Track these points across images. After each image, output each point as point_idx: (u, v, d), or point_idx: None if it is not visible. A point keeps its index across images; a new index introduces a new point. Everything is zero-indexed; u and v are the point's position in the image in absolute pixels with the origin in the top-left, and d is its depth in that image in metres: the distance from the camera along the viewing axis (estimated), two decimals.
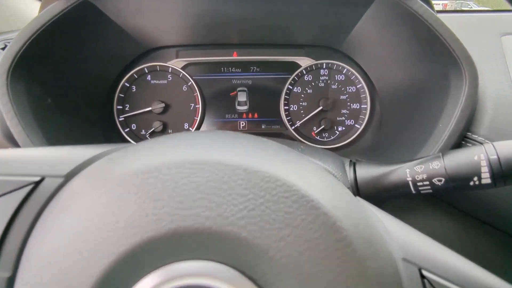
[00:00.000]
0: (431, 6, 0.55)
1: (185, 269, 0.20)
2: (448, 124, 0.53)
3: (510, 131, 0.51)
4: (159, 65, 0.81)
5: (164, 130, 0.82)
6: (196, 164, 0.22)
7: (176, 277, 0.20)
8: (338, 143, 0.81)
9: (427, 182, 0.47)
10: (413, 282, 0.25)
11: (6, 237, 0.24)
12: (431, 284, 0.25)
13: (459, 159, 0.45)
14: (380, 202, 0.52)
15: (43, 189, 0.26)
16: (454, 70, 0.53)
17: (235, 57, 0.83)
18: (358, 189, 0.51)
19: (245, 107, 0.84)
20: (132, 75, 0.81)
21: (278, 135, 0.83)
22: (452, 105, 0.53)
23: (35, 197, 0.25)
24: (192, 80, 0.81)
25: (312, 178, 0.25)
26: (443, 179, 0.46)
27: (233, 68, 0.84)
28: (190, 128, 0.82)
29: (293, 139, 0.82)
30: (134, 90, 0.82)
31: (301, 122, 0.82)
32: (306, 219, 0.22)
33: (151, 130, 0.81)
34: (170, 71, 0.82)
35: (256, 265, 0.20)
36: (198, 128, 0.83)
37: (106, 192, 0.22)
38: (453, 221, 0.57)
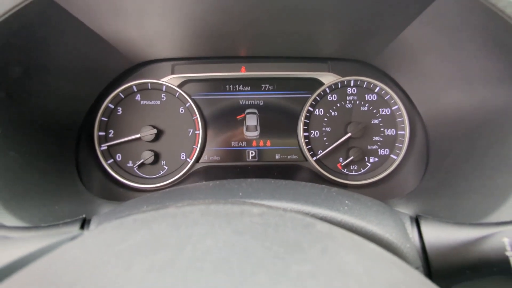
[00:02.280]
0: None
1: None
2: None
3: None
4: (151, 83, 0.67)
5: (156, 162, 0.66)
6: None
7: None
8: (371, 178, 0.66)
9: None
10: None
11: None
12: None
13: None
14: (460, 280, 0.36)
15: None
16: None
17: (243, 72, 0.69)
18: (428, 262, 0.35)
19: (255, 133, 0.69)
20: (117, 94, 0.66)
21: (296, 167, 0.68)
22: None
23: None
24: (190, 101, 0.67)
25: None
26: None
27: (241, 85, 0.69)
28: (188, 159, 0.67)
29: (314, 172, 0.67)
30: (120, 112, 0.67)
31: (324, 151, 0.67)
32: None
33: (140, 161, 0.66)
34: (164, 89, 0.68)
35: None
36: (198, 158, 0.67)
37: None
38: None
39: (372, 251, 0.19)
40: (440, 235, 0.36)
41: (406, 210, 0.46)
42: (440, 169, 0.57)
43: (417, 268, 0.33)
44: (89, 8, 0.45)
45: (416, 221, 0.38)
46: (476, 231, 0.35)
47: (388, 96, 0.67)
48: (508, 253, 0.32)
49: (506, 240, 0.33)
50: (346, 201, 0.37)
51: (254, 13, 0.52)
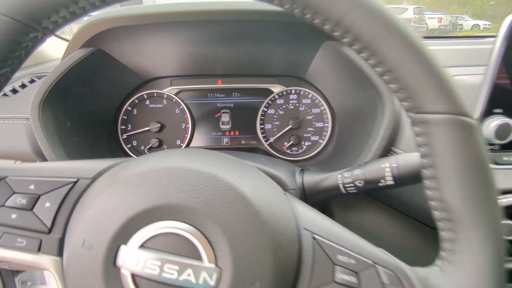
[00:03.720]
0: None
1: (164, 224, 0.36)
2: (376, 141, 0.69)
3: None
4: (156, 92, 0.98)
5: (160, 146, 0.98)
6: (172, 169, 0.38)
7: (160, 228, 0.36)
8: (305, 156, 0.98)
9: (352, 184, 0.62)
10: (308, 241, 0.41)
11: (57, 215, 0.40)
12: (318, 242, 0.41)
13: (373, 167, 0.61)
14: (322, 200, 0.68)
15: (79, 186, 0.42)
16: (379, 100, 0.69)
17: (219, 85, 1.00)
18: (304, 191, 0.66)
19: (228, 126, 1.00)
20: (133, 100, 0.97)
21: (255, 149, 1.00)
22: (378, 126, 0.69)
23: (74, 190, 0.41)
24: (183, 104, 0.98)
25: (245, 177, 0.41)
26: (363, 182, 0.62)
27: (218, 93, 1.00)
28: (182, 144, 0.98)
29: (267, 152, 0.98)
30: (135, 113, 0.98)
31: (274, 138, 0.98)
32: (234, 201, 0.37)
33: (149, 146, 0.97)
34: (165, 97, 0.98)
35: (203, 222, 0.36)
36: (188, 143, 0.99)
37: (120, 187, 0.38)
38: (382, 214, 0.73)
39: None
40: (312, 177, 0.67)
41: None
42: (337, 147, 0.89)
43: (293, 189, 0.65)
44: (125, 52, 0.77)
45: (303, 170, 0.69)
46: (329, 174, 0.66)
47: (317, 100, 0.98)
48: (338, 182, 0.64)
49: (339, 176, 0.64)
50: (261, 158, 0.69)
51: (227, 52, 0.84)
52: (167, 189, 0.37)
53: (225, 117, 1.00)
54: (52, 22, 0.36)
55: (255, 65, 0.94)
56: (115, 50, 0.76)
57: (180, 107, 0.98)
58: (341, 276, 0.39)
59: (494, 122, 0.63)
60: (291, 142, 0.97)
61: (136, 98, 0.97)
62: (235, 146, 1.00)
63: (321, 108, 0.98)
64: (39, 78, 0.86)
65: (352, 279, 0.39)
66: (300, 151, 0.99)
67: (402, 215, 0.76)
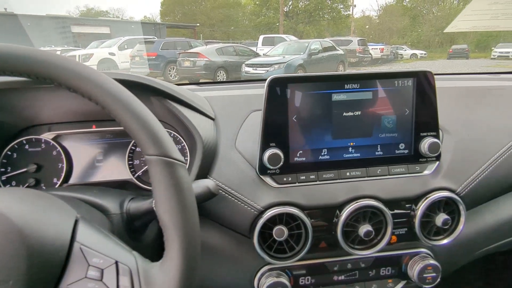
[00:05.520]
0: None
1: None
2: (192, 171, 0.89)
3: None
4: (35, 138, 1.12)
5: (37, 184, 1.11)
6: None
7: None
8: None
9: None
10: (77, 250, 0.57)
11: None
12: (82, 251, 0.57)
13: None
14: (148, 221, 0.85)
15: None
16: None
17: (94, 128, 1.16)
18: (130, 215, 0.83)
19: (102, 164, 1.16)
20: (13, 145, 1.11)
21: (126, 182, 1.16)
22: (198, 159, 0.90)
23: None
24: (59, 147, 1.13)
25: (23, 207, 0.58)
26: None
27: (93, 136, 1.17)
28: (57, 181, 1.12)
29: (136, 185, 1.15)
30: (15, 156, 1.11)
31: (141, 171, 1.15)
32: (6, 227, 0.53)
33: (26, 185, 1.10)
34: (43, 141, 1.13)
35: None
36: (65, 181, 1.13)
37: None
38: (212, 229, 0.92)
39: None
40: (137, 203, 0.84)
41: None
42: None
43: (115, 213, 0.81)
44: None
45: (132, 198, 0.86)
46: (148, 200, 0.83)
47: (178, 138, 1.18)
48: (152, 206, 0.81)
49: (153, 201, 0.82)
50: (95, 190, 0.85)
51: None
52: None
53: (100, 156, 1.16)
54: None
55: None
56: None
57: (57, 150, 1.13)
58: (91, 272, 0.55)
59: (268, 153, 0.85)
60: None
61: (16, 144, 1.11)
62: (109, 180, 1.15)
63: (182, 145, 1.17)
64: None
65: (97, 273, 0.55)
66: None
67: (226, 229, 0.95)
